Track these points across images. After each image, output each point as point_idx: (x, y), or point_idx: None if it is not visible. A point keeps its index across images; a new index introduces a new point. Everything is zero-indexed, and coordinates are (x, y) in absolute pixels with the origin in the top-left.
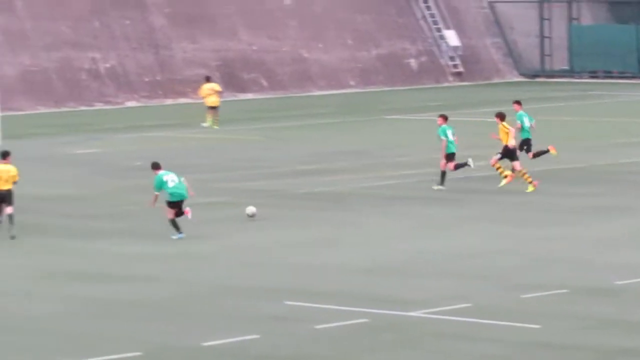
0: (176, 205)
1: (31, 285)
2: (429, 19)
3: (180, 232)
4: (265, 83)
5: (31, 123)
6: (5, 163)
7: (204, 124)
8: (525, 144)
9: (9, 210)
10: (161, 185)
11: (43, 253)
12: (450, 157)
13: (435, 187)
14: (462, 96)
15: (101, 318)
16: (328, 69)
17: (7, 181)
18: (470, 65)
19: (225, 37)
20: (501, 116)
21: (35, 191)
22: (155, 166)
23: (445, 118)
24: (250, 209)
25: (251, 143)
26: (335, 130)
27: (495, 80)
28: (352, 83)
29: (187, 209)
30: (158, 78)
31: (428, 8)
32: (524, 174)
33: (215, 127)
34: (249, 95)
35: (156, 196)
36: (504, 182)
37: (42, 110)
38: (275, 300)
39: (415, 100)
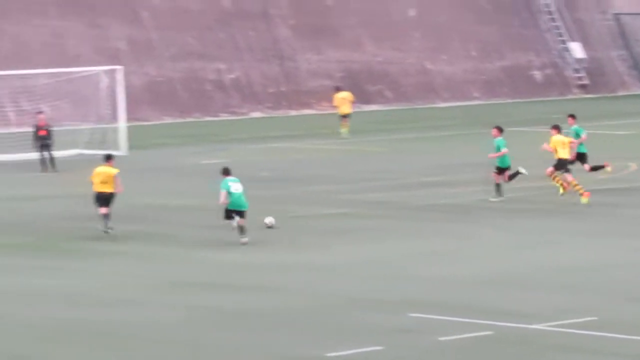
0: (235, 213)
1: (158, 294)
2: (554, 31)
3: (244, 237)
4: (389, 94)
5: (157, 133)
6: (107, 166)
7: (342, 133)
8: (582, 158)
9: (104, 210)
10: (226, 187)
11: (170, 262)
12: (502, 170)
13: (492, 199)
14: (587, 108)
15: (227, 328)
16: (452, 81)
17: (108, 184)
18: (596, 78)
19: (350, 48)
20: (557, 128)
21: (161, 201)
22: (225, 172)
23: (500, 130)
24: (269, 220)
25: (375, 154)
26: (459, 142)
27: (621, 93)
28: (476, 95)
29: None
30: (283, 89)
31: (553, 20)
32: (576, 185)
33: (344, 130)
34: (374, 107)
35: (225, 194)
36: (561, 191)
37: (168, 120)
38: (399, 312)
39: (540, 112)
